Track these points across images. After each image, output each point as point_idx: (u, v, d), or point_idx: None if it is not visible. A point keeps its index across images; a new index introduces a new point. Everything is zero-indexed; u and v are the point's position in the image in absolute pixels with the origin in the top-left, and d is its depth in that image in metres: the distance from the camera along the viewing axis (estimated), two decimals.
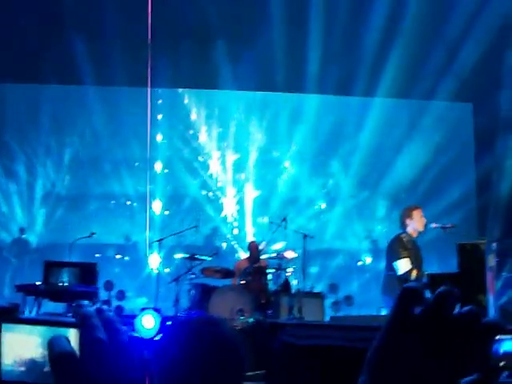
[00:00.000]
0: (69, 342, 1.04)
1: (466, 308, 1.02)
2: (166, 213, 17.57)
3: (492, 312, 8.46)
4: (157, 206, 17.57)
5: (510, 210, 15.71)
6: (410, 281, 9.33)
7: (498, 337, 1.07)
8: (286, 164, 18.22)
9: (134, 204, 17.66)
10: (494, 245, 9.41)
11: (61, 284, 10.28)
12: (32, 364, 1.10)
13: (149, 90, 15.89)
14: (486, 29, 14.52)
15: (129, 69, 15.49)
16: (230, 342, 2.10)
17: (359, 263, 17.70)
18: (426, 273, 9.52)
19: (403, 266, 9.47)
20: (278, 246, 14.42)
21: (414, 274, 9.38)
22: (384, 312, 10.13)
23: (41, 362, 1.09)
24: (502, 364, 1.13)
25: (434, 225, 9.77)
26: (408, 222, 9.77)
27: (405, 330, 1.01)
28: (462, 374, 1.02)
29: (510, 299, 11.89)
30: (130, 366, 1.05)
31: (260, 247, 13.16)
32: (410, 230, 9.76)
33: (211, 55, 15.73)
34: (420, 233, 9.82)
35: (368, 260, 17.62)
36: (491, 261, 9.12)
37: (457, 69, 15.39)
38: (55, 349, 1.03)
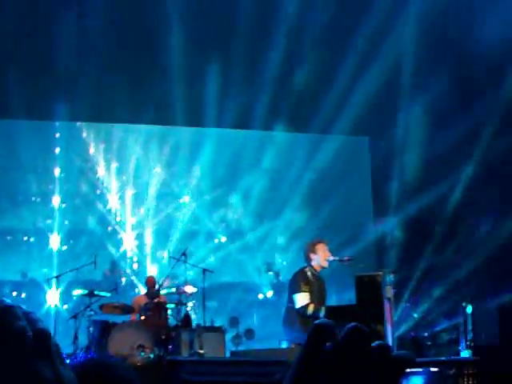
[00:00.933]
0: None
1: (376, 343, 1.02)
2: (64, 248, 17.26)
3: (390, 342, 8.56)
4: (54, 241, 17.25)
5: (406, 242, 16.05)
6: (307, 315, 9.41)
7: (408, 370, 1.07)
8: (186, 198, 18.17)
9: (31, 239, 17.32)
10: (391, 276, 9.58)
11: None
12: None
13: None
14: (382, 65, 14.83)
15: (27, 101, 15.22)
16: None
17: (260, 296, 17.73)
18: (324, 306, 9.60)
19: (301, 299, 9.54)
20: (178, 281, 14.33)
21: (311, 308, 9.45)
22: (284, 344, 10.15)
23: None
24: None
25: (331, 257, 9.87)
26: (312, 256, 9.86)
27: (316, 367, 1.01)
28: None
29: (408, 329, 12.12)
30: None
31: (164, 283, 13.09)
32: (314, 263, 9.84)
33: (108, 89, 15.59)
34: (324, 268, 9.92)
35: (269, 293, 17.68)
36: (389, 292, 9.27)
37: (354, 103, 15.64)
38: None
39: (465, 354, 11.49)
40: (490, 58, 13.94)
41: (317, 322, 1.05)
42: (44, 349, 1.00)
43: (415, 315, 12.24)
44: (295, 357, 1.05)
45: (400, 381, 1.05)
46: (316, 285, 9.73)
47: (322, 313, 9.41)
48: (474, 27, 14.03)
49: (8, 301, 1.02)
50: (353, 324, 1.03)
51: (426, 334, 12.48)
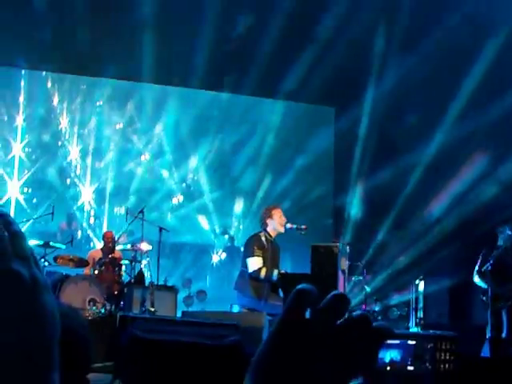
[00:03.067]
0: None
1: (357, 312, 1.01)
2: (22, 197, 17.11)
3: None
4: (13, 190, 17.08)
5: (365, 215, 16.15)
6: (260, 279, 9.49)
7: (386, 342, 1.08)
8: (147, 155, 18.07)
9: None
10: (347, 248, 9.66)
11: None
12: None
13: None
14: (352, 34, 14.81)
15: None
16: (79, 334, 2.06)
17: (214, 259, 17.78)
18: (278, 271, 9.66)
19: (254, 263, 9.61)
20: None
21: (264, 272, 9.52)
22: (236, 309, 10.20)
23: None
24: (387, 369, 1.17)
25: (289, 225, 9.91)
26: (268, 221, 9.91)
27: (295, 334, 0.99)
28: (351, 378, 1.01)
29: (359, 302, 12.24)
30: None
31: (120, 239, 13.07)
32: (269, 229, 9.90)
33: (77, 40, 15.39)
34: (279, 233, 9.97)
35: (223, 256, 17.73)
36: (343, 263, 9.35)
37: (322, 72, 15.61)
38: None
39: (413, 330, 11.66)
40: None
41: (299, 286, 1.00)
42: (20, 249, 1.00)
43: (367, 289, 12.35)
44: (262, 324, 1.04)
45: (377, 352, 1.04)
46: (270, 250, 9.78)
47: (275, 276, 9.49)
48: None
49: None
50: (337, 291, 1.02)
51: (376, 309, 12.62)
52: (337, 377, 0.99)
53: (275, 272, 9.55)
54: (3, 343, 0.95)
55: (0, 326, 0.95)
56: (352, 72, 15.72)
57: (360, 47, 15.18)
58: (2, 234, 1.00)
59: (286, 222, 9.93)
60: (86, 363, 2.13)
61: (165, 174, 18.10)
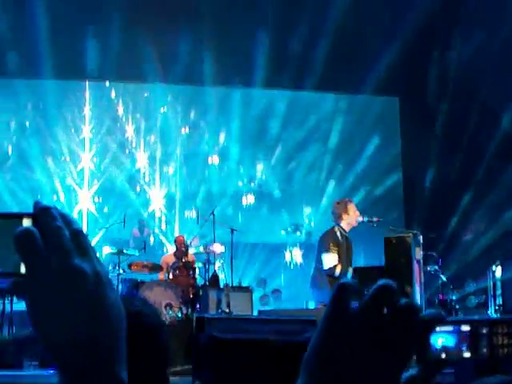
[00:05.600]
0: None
1: (403, 301, 1.01)
2: (93, 207, 17.32)
3: (419, 303, 8.54)
4: (84, 200, 17.31)
5: (436, 204, 15.94)
6: (335, 276, 9.39)
7: (438, 329, 1.08)
8: (215, 158, 18.13)
9: (61, 198, 17.37)
10: (421, 238, 9.53)
11: None
12: None
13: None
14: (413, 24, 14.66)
15: (57, 61, 15.23)
16: (158, 332, 2.07)
17: (287, 257, 17.74)
18: (353, 267, 9.59)
19: (329, 260, 9.51)
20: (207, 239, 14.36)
21: (339, 269, 9.42)
22: (312, 305, 10.16)
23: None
24: (442, 357, 1.14)
25: (361, 218, 9.83)
26: (342, 215, 9.81)
27: (342, 327, 1.00)
28: (402, 368, 1.02)
29: (435, 291, 12.08)
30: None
31: (192, 242, 13.15)
32: (343, 223, 9.80)
33: (137, 47, 15.52)
34: (353, 226, 9.89)
35: (296, 253, 17.68)
36: (418, 253, 9.23)
37: (385, 63, 15.50)
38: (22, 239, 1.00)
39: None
40: None
41: (340, 281, 1.03)
42: (82, 246, 1.04)
43: (443, 278, 12.18)
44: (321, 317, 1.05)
45: (428, 340, 1.10)
46: (344, 245, 9.70)
47: (350, 274, 9.39)
48: None
49: (44, 202, 1.05)
50: (383, 281, 1.02)
51: (454, 297, 12.43)
52: (387, 367, 1.00)
53: (350, 270, 9.47)
54: (69, 338, 0.98)
55: (66, 321, 0.98)
56: (414, 58, 15.55)
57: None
58: (65, 232, 1.03)
59: (359, 216, 9.86)
60: (165, 359, 2.14)
61: (233, 174, 18.13)
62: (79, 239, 1.04)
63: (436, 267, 12.19)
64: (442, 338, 1.14)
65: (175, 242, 13.14)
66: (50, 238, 1.01)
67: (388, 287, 1.00)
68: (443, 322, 1.08)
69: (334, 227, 9.80)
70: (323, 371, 1.00)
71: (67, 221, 1.05)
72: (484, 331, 1.31)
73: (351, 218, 9.77)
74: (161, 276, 12.52)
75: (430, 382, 1.13)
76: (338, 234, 9.69)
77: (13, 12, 14.74)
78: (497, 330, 1.34)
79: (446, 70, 15.81)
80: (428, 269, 11.80)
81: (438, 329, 1.14)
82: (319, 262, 9.70)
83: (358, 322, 1.00)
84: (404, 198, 17.58)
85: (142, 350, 2.03)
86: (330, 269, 9.47)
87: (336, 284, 1.03)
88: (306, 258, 16.44)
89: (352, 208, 9.86)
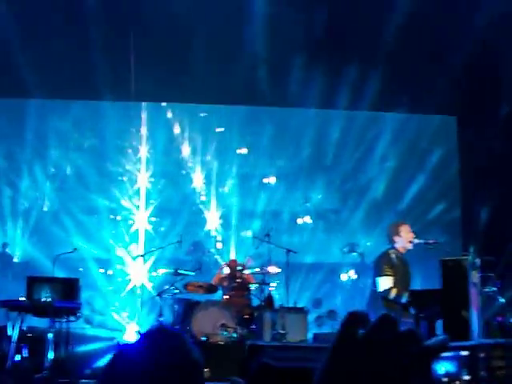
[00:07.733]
0: None
1: (406, 330, 1.07)
2: (150, 227, 17.46)
3: (476, 327, 8.42)
4: (140, 220, 17.47)
5: (493, 226, 15.73)
6: (389, 299, 9.31)
7: (441, 355, 1.10)
8: (270, 178, 18.16)
9: (118, 218, 17.56)
10: (478, 261, 9.41)
11: (44, 300, 10.30)
12: None
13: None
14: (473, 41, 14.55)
15: (113, 82, 15.40)
16: (190, 355, 2.07)
17: (343, 278, 17.64)
18: (409, 290, 9.49)
19: (384, 283, 9.45)
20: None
21: (394, 292, 9.35)
22: None
23: None
24: (444, 381, 1.16)
25: (417, 240, 9.75)
26: (395, 238, 9.75)
27: (349, 353, 1.09)
28: None
29: (493, 314, 11.90)
30: None
31: (246, 263, 13.21)
32: (397, 246, 9.74)
33: (194, 68, 15.63)
34: (408, 249, 9.81)
35: (352, 274, 17.57)
36: (474, 276, 9.11)
37: (442, 81, 15.39)
38: None
39: None
40: None
41: (350, 311, 1.16)
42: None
43: (502, 300, 11.99)
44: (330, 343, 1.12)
45: (431, 366, 1.13)
46: (400, 268, 9.63)
47: (405, 298, 9.29)
48: None
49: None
50: (384, 313, 1.16)
51: None
52: None
53: (405, 294, 9.37)
54: None
55: None
56: (474, 77, 15.42)
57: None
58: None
59: (414, 238, 9.78)
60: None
61: (288, 194, 18.12)
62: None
63: (494, 289, 12.01)
64: (443, 364, 1.18)
65: (228, 265, 13.23)
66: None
67: (388, 317, 1.13)
68: (445, 349, 1.12)
69: (388, 249, 9.75)
70: None
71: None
72: (482, 355, 1.33)
73: (404, 240, 9.71)
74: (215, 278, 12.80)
75: None
76: (393, 256, 9.62)
77: (70, 33, 14.90)
78: (494, 353, 1.37)
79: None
80: (486, 290, 11.64)
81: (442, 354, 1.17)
82: (374, 285, 9.65)
83: (362, 349, 1.08)
84: (461, 220, 17.38)
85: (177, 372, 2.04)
86: (384, 291, 9.41)
87: (347, 313, 1.17)
88: (361, 278, 16.34)
89: (404, 230, 9.80)
